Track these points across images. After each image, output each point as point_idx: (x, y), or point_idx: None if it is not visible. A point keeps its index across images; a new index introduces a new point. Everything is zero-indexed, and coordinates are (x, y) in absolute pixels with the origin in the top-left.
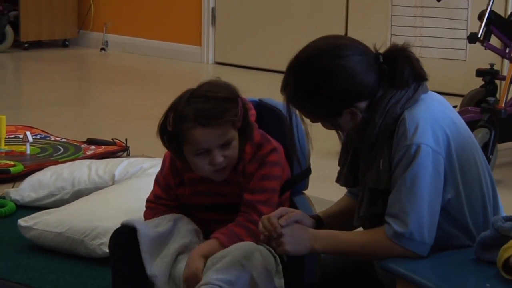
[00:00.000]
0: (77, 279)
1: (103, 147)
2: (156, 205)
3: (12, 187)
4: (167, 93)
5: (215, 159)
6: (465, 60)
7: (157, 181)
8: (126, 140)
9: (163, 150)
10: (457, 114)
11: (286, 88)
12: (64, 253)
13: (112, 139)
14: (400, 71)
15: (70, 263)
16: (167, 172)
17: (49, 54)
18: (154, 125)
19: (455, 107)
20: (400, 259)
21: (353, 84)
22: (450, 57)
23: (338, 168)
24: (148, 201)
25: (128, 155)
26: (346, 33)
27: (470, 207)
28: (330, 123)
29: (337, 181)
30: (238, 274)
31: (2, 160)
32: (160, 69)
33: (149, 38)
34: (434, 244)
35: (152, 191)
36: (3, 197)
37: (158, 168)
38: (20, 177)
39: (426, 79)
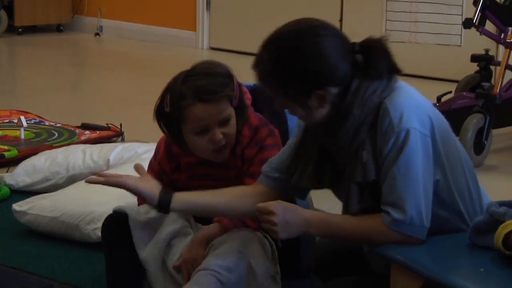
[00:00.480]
0: (72, 264)
1: (97, 132)
2: None
3: (7, 172)
4: (161, 78)
5: (215, 136)
6: (460, 46)
7: (150, 167)
8: (120, 125)
9: (158, 135)
10: None
11: (258, 65)
12: (59, 238)
13: (107, 124)
14: (375, 61)
15: (65, 248)
16: (163, 157)
17: (43, 39)
18: (148, 110)
19: (449, 92)
20: (394, 245)
21: (325, 64)
22: (445, 43)
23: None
24: None
25: (122, 140)
26: (341, 18)
27: (458, 189)
28: (298, 104)
29: (297, 182)
30: (236, 261)
31: None
32: (154, 54)
33: (143, 23)
34: (428, 229)
35: None
36: None
37: (152, 153)
38: (14, 161)
39: (400, 72)
